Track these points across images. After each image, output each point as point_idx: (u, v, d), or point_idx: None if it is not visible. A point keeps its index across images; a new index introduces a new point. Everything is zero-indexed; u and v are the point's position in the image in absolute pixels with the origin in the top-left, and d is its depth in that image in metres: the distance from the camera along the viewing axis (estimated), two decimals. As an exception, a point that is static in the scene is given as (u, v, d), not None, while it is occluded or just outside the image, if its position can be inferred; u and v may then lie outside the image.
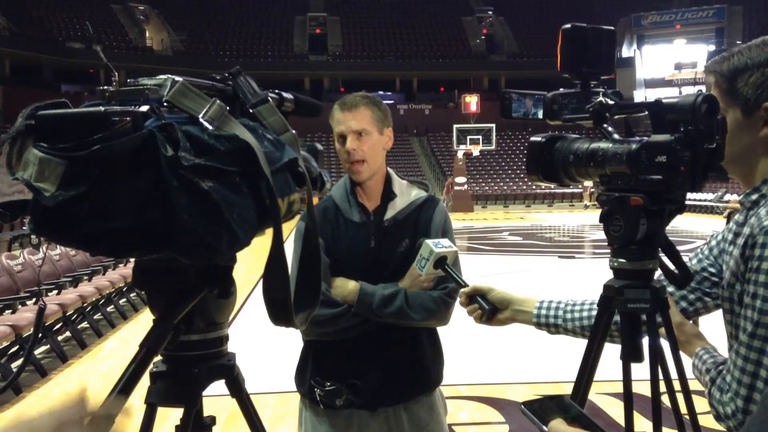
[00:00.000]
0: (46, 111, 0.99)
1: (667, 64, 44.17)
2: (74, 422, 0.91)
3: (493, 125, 32.66)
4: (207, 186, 0.98)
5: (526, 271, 12.06)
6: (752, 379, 1.20)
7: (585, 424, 1.08)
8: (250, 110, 1.16)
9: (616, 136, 1.39)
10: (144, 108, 1.00)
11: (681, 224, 19.71)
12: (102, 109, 0.98)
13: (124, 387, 1.02)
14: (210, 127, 1.03)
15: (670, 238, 1.39)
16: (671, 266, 1.40)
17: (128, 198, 0.95)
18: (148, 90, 1.04)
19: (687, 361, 1.44)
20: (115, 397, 1.01)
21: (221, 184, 1.00)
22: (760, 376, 1.19)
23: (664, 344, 1.41)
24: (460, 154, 32.23)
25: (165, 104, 1.04)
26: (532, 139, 1.48)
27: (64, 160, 0.94)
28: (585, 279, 10.06)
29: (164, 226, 0.96)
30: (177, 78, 1.07)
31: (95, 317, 7.82)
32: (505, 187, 37.19)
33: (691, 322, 1.53)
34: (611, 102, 1.39)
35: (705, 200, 27.14)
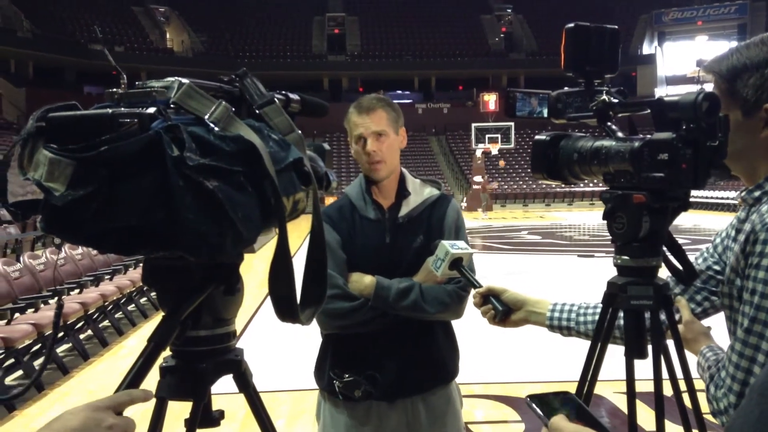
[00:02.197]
0: (56, 113, 1.02)
1: (689, 61, 43.66)
2: (105, 407, 0.96)
3: (512, 124, 32.51)
4: (212, 185, 1.01)
5: (545, 270, 12.01)
6: (746, 375, 1.20)
7: (588, 421, 1.09)
8: (257, 111, 1.19)
9: (619, 134, 1.39)
10: (151, 110, 1.02)
11: (702, 222, 19.51)
12: (109, 111, 1.01)
13: (133, 380, 1.05)
14: (215, 128, 1.06)
15: (674, 236, 1.39)
16: (676, 264, 1.40)
17: (135, 197, 0.97)
18: (156, 92, 1.07)
19: (693, 359, 1.44)
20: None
21: (226, 184, 1.02)
22: (753, 372, 1.19)
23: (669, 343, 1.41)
24: (478, 153, 32.13)
25: (172, 106, 1.06)
26: (537, 137, 1.49)
27: (73, 160, 0.97)
28: (604, 278, 9.96)
29: (170, 225, 0.98)
30: (184, 80, 1.10)
31: (116, 316, 7.92)
32: (525, 186, 37.02)
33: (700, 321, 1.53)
34: (615, 100, 1.40)
35: (727, 198, 26.85)
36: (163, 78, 1.12)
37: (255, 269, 9.13)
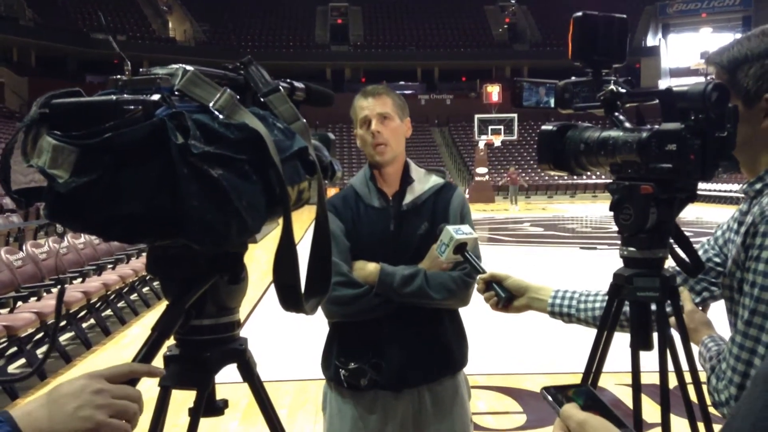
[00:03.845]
0: (60, 99, 1.02)
1: (693, 53, 43.48)
2: (100, 375, 0.96)
3: (515, 115, 32.42)
4: (216, 173, 1.00)
5: (547, 262, 12.01)
6: (746, 367, 1.20)
7: (602, 411, 1.08)
8: (261, 99, 1.18)
9: (627, 124, 1.38)
10: (155, 97, 1.01)
11: (705, 215, 19.48)
12: (113, 98, 1.00)
13: (136, 369, 1.05)
14: (220, 116, 1.05)
15: (681, 228, 1.38)
16: (683, 255, 1.40)
17: (139, 185, 0.97)
18: (160, 79, 1.06)
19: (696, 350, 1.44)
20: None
21: (231, 172, 1.02)
22: (754, 364, 1.19)
23: (675, 335, 1.41)
24: (481, 145, 32.08)
25: (176, 93, 1.05)
26: (544, 127, 1.49)
27: (76, 147, 0.96)
28: (606, 270, 9.96)
29: (174, 213, 0.98)
30: (188, 67, 1.08)
31: (119, 305, 7.93)
32: (527, 178, 36.96)
33: (700, 309, 1.53)
34: (622, 90, 1.38)
35: (729, 191, 26.81)
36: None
37: (257, 259, 9.13)
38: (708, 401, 1.36)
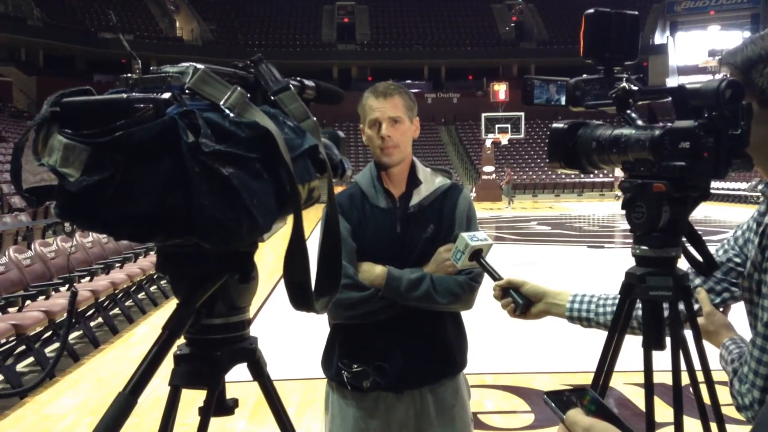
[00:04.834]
0: (71, 98, 1.01)
1: (701, 51, 43.29)
2: None
3: (522, 114, 32.35)
4: (227, 172, 0.99)
5: (555, 261, 11.97)
6: None
7: (607, 416, 1.07)
8: (272, 97, 1.17)
9: (639, 122, 1.37)
10: (166, 95, 1.01)
11: (713, 214, 19.42)
12: (124, 96, 1.00)
13: (147, 368, 1.04)
14: (231, 114, 1.04)
15: (694, 226, 1.37)
16: (696, 254, 1.38)
17: (150, 184, 0.96)
18: (170, 77, 1.06)
19: (713, 352, 1.42)
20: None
21: (241, 171, 1.01)
22: None
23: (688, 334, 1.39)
24: (488, 143, 32.03)
25: (187, 91, 1.05)
26: (554, 125, 1.47)
27: (87, 146, 0.95)
28: (614, 269, 9.93)
29: (185, 212, 0.97)
30: (199, 65, 1.08)
31: (127, 304, 7.95)
32: (534, 177, 36.88)
33: (720, 311, 1.52)
34: (634, 88, 1.37)
35: (737, 189, 26.69)
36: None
37: (265, 258, 9.14)
38: (722, 401, 1.34)
